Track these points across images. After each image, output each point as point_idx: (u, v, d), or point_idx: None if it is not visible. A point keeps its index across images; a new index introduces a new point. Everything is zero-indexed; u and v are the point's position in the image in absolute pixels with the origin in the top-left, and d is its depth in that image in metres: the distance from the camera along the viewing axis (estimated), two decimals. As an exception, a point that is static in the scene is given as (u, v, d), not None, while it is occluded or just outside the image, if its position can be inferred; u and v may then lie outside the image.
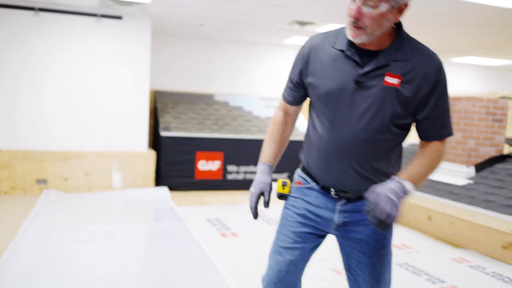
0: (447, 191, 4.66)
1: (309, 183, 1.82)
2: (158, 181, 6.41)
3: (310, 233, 1.79)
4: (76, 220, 4.62)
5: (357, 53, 1.61)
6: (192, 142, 6.49)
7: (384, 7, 1.49)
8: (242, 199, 6.13)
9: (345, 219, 1.75)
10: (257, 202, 1.81)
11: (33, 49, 5.66)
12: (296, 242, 1.79)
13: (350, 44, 1.62)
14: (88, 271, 3.26)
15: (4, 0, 5.45)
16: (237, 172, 6.75)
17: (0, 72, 5.57)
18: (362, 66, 1.59)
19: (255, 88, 7.77)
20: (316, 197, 1.79)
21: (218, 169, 6.65)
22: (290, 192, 1.86)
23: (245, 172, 6.76)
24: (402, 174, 1.58)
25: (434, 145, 1.67)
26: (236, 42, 7.61)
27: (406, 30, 1.65)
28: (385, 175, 1.69)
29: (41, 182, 5.74)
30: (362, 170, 1.67)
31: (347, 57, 1.62)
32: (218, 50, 7.57)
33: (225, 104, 7.35)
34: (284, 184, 1.83)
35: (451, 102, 1.75)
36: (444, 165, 5.03)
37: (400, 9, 1.53)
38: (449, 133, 1.67)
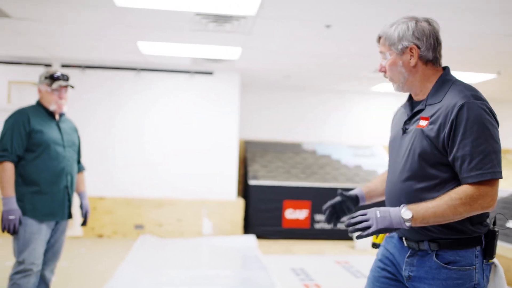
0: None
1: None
2: (247, 229, 6.53)
3: (388, 278, 1.78)
4: (166, 265, 4.86)
5: (410, 105, 1.75)
6: (280, 191, 6.57)
7: (389, 56, 1.67)
8: (328, 249, 6.01)
9: (410, 273, 1.69)
10: (333, 209, 1.94)
11: (134, 104, 6.26)
12: (375, 286, 1.81)
13: (409, 99, 1.77)
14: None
15: (112, 63, 6.15)
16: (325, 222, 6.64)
17: (107, 126, 6.21)
18: (409, 115, 1.73)
19: (343, 136, 7.74)
20: (394, 246, 1.79)
21: (306, 218, 6.62)
22: (383, 242, 1.89)
23: (333, 221, 6.64)
24: (413, 204, 1.56)
25: (463, 187, 1.53)
26: (323, 91, 7.71)
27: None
28: (442, 225, 1.59)
29: (139, 227, 6.16)
30: None
31: (404, 111, 1.78)
32: (305, 99, 7.72)
33: (313, 152, 7.39)
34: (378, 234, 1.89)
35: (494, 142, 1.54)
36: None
37: (408, 52, 1.63)
38: (482, 175, 1.49)
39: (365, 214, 1.56)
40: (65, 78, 3.00)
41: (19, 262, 2.77)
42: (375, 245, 1.90)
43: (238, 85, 6.45)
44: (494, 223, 1.68)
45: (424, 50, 1.64)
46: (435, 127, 1.58)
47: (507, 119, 8.50)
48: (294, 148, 7.40)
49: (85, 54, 5.76)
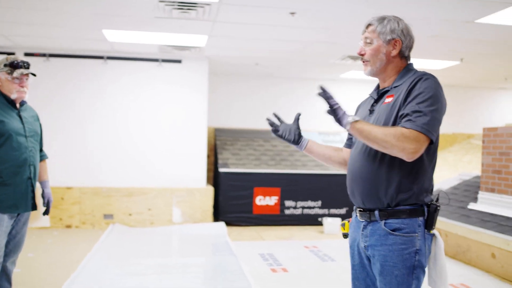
0: (512, 227, 4.35)
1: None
2: (217, 216, 6.57)
3: (361, 263, 1.95)
4: (135, 254, 4.85)
5: (377, 92, 1.99)
6: (250, 178, 6.62)
7: (375, 42, 1.90)
8: (298, 235, 6.11)
9: (365, 243, 1.88)
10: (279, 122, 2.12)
11: (101, 93, 6.18)
12: (355, 273, 1.99)
13: (376, 88, 2.00)
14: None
15: (78, 51, 6.04)
16: (295, 207, 6.75)
17: (72, 114, 6.12)
18: (376, 100, 1.97)
19: (313, 123, 7.81)
20: (353, 229, 2.00)
21: (276, 204, 6.70)
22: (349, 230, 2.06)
23: (303, 207, 6.75)
24: (365, 122, 1.79)
25: (399, 126, 1.74)
26: (293, 79, 7.76)
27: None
28: (393, 189, 1.79)
29: (108, 217, 6.12)
30: (369, 170, 1.85)
31: (371, 98, 2.02)
32: (275, 86, 7.76)
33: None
34: (342, 225, 2.06)
35: (437, 108, 1.78)
36: (506, 199, 4.73)
37: (392, 44, 1.88)
38: (418, 126, 1.69)
39: (334, 97, 1.79)
40: (26, 65, 2.92)
41: None
42: (345, 236, 2.08)
43: (207, 72, 6.43)
44: (437, 200, 1.88)
45: (405, 46, 1.90)
46: (397, 99, 1.82)
47: (470, 105, 8.75)
48: (264, 135, 7.45)
49: (49, 42, 5.65)
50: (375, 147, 1.76)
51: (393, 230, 1.80)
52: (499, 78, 7.56)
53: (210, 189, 6.45)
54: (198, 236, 5.76)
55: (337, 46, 5.49)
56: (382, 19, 1.91)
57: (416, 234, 1.79)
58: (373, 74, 1.95)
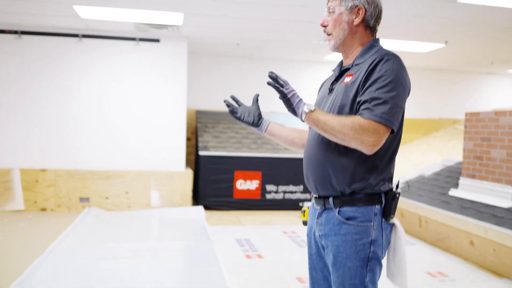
0: (491, 214, 4.28)
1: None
2: (197, 200, 6.46)
3: (317, 253, 1.83)
4: (108, 238, 4.73)
5: (339, 69, 1.82)
6: (231, 161, 6.50)
7: (337, 10, 1.75)
8: (278, 220, 6.02)
9: (320, 232, 1.77)
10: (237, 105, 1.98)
11: (77, 72, 5.98)
12: (312, 263, 1.86)
13: (339, 64, 1.84)
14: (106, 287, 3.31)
15: (52, 29, 5.82)
16: (276, 192, 6.65)
17: (45, 94, 5.93)
18: (336, 77, 1.82)
19: (297, 106, 7.68)
20: (310, 216, 1.88)
21: (257, 189, 6.59)
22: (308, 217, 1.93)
23: (284, 192, 6.65)
24: (321, 110, 1.65)
25: (359, 117, 1.59)
26: (276, 60, 7.59)
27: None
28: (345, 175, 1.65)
29: (84, 200, 5.98)
30: (322, 157, 1.73)
31: (333, 75, 1.86)
32: (258, 68, 7.59)
33: (266, 122, 7.31)
34: (303, 212, 1.94)
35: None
36: (486, 185, 4.65)
37: (356, 12, 1.73)
38: (376, 116, 1.56)
39: (288, 83, 1.67)
40: None
41: None
42: (304, 223, 1.96)
43: (186, 52, 6.24)
44: (397, 187, 1.76)
45: (369, 15, 1.75)
46: (356, 80, 1.67)
47: (456, 90, 8.64)
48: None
49: (21, 18, 5.42)
50: (332, 139, 1.63)
51: (347, 219, 1.68)
52: (486, 62, 7.44)
53: (190, 173, 6.32)
54: (175, 220, 5.65)
55: (317, 25, 5.31)
56: None
57: (372, 223, 1.66)
58: (337, 48, 1.80)
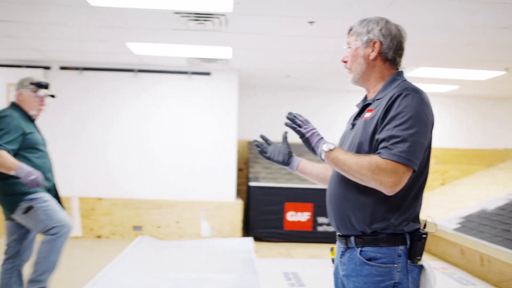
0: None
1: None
2: (248, 231, 6.43)
3: None
4: (155, 267, 4.81)
5: (362, 103, 1.78)
6: (281, 193, 6.44)
7: (354, 45, 1.73)
8: (329, 253, 5.82)
9: (343, 272, 1.70)
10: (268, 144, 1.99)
11: (132, 105, 6.26)
12: None
13: (364, 99, 1.80)
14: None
15: (109, 65, 6.17)
16: (328, 224, 6.47)
17: (103, 127, 6.24)
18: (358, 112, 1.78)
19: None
20: (336, 253, 1.81)
21: (308, 220, 6.47)
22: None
23: (336, 224, 6.46)
24: (341, 149, 1.62)
25: (377, 156, 1.54)
26: (327, 90, 7.53)
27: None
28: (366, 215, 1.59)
29: (137, 228, 6.15)
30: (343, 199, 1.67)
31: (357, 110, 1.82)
32: (309, 99, 7.57)
33: (318, 153, 7.22)
34: (331, 249, 1.90)
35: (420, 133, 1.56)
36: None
37: (371, 46, 1.69)
38: (394, 156, 1.50)
39: (308, 122, 1.68)
40: (48, 87, 3.25)
41: (53, 227, 3.01)
42: (333, 261, 1.91)
43: (236, 84, 6.36)
44: (425, 227, 1.65)
45: (385, 47, 1.70)
46: (375, 115, 1.63)
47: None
48: (297, 149, 7.14)
49: (81, 56, 5.80)
50: (352, 179, 1.58)
51: (369, 260, 1.60)
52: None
53: (239, 203, 6.33)
54: (223, 251, 5.64)
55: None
56: (362, 21, 1.74)
57: (395, 265, 1.58)
58: (356, 82, 1.76)
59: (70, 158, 6.20)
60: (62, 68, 6.15)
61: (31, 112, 3.17)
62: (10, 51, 5.62)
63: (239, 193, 7.21)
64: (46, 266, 3.05)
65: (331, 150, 1.58)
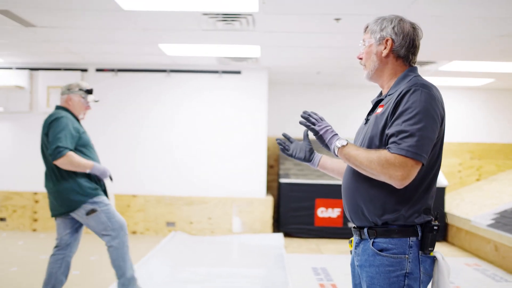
0: None
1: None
2: (278, 227, 6.51)
3: (361, 283, 1.80)
4: (187, 261, 4.96)
5: (376, 99, 1.85)
6: (312, 189, 6.47)
7: (368, 42, 1.81)
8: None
9: (357, 262, 1.77)
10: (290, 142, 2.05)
11: (165, 104, 6.44)
12: None
13: (379, 95, 1.87)
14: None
15: (143, 66, 6.38)
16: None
17: (138, 125, 6.45)
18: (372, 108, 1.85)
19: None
20: (353, 245, 1.87)
21: (338, 217, 6.48)
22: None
23: (367, 221, 6.45)
24: (353, 144, 1.70)
25: (386, 151, 1.60)
26: (358, 86, 7.49)
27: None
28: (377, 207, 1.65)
29: (170, 224, 6.32)
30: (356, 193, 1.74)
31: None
32: (339, 95, 7.56)
33: (348, 149, 7.20)
34: (350, 241, 1.92)
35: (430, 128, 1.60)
36: None
37: (384, 43, 1.75)
38: (402, 150, 1.55)
39: (322, 119, 1.78)
40: (93, 92, 3.55)
41: (114, 229, 3.28)
42: (351, 252, 1.97)
43: (266, 83, 6.44)
44: (436, 218, 1.69)
45: (398, 45, 1.75)
46: (385, 111, 1.68)
47: None
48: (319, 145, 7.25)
49: (116, 58, 6.01)
50: (364, 173, 1.65)
51: (381, 250, 1.66)
52: None
53: (270, 200, 6.41)
54: (253, 247, 5.75)
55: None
56: (377, 19, 1.81)
57: (406, 255, 1.64)
58: (370, 78, 1.84)
59: (106, 156, 6.40)
60: (98, 70, 6.40)
61: (80, 116, 3.45)
62: (49, 55, 5.89)
63: (270, 190, 7.29)
64: (124, 266, 3.35)
65: (343, 146, 1.66)
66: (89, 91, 3.45)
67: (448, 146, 7.59)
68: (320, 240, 6.34)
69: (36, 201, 6.38)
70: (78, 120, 3.43)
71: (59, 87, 6.22)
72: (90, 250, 5.28)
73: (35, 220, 6.39)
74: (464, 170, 7.61)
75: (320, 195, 6.47)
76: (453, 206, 6.45)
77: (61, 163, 3.15)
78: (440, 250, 5.66)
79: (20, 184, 6.42)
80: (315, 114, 1.78)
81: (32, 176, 6.41)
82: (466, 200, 6.54)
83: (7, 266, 4.63)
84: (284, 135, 2.06)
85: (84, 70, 6.38)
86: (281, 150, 2.03)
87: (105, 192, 3.46)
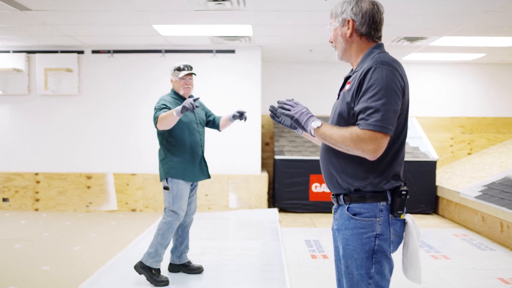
0: None
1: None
2: (274, 203, 6.69)
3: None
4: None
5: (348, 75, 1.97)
6: (306, 165, 6.63)
7: (332, 26, 1.96)
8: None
9: (335, 226, 1.94)
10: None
11: (161, 84, 6.53)
12: (337, 254, 1.98)
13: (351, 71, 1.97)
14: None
15: (138, 47, 6.46)
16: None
17: (134, 106, 6.57)
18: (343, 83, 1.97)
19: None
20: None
21: (332, 192, 6.64)
22: None
23: (360, 195, 6.62)
24: (328, 124, 1.82)
25: (356, 127, 1.72)
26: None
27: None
28: (349, 175, 1.80)
29: (169, 201, 6.49)
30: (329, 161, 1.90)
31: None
32: (332, 72, 7.65)
33: (342, 126, 7.34)
34: (332, 209, 2.06)
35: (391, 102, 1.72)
36: None
37: (346, 24, 1.89)
38: (369, 125, 1.67)
39: (297, 104, 1.89)
40: (189, 68, 3.68)
41: (172, 211, 3.56)
42: None
43: (259, 60, 6.53)
44: (405, 183, 1.84)
45: (358, 24, 1.87)
46: (351, 87, 1.81)
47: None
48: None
49: (112, 40, 6.09)
50: (340, 150, 1.78)
51: (354, 214, 1.82)
52: None
53: (265, 176, 6.57)
54: (249, 222, 5.93)
55: (390, 28, 5.28)
56: (338, 3, 1.94)
57: (377, 218, 1.79)
58: (341, 58, 1.98)
59: (104, 136, 6.58)
60: (94, 51, 6.48)
61: (181, 92, 3.70)
62: (46, 38, 5.97)
63: (266, 166, 7.46)
64: (162, 240, 3.58)
65: (318, 127, 1.78)
66: (180, 68, 3.65)
67: (440, 121, 7.72)
68: (315, 215, 6.53)
69: (37, 182, 6.55)
70: (183, 98, 3.75)
71: (56, 69, 6.33)
72: (90, 228, 5.47)
73: (37, 200, 6.57)
74: (456, 145, 7.76)
75: (314, 171, 6.62)
76: (444, 179, 6.62)
77: None
78: (430, 222, 5.93)
79: (21, 165, 6.58)
80: (289, 100, 1.90)
81: (32, 157, 6.58)
82: (457, 173, 6.70)
83: (12, 243, 4.83)
84: (278, 102, 2.18)
85: (81, 52, 6.47)
86: (271, 117, 2.15)
87: (205, 167, 3.88)
